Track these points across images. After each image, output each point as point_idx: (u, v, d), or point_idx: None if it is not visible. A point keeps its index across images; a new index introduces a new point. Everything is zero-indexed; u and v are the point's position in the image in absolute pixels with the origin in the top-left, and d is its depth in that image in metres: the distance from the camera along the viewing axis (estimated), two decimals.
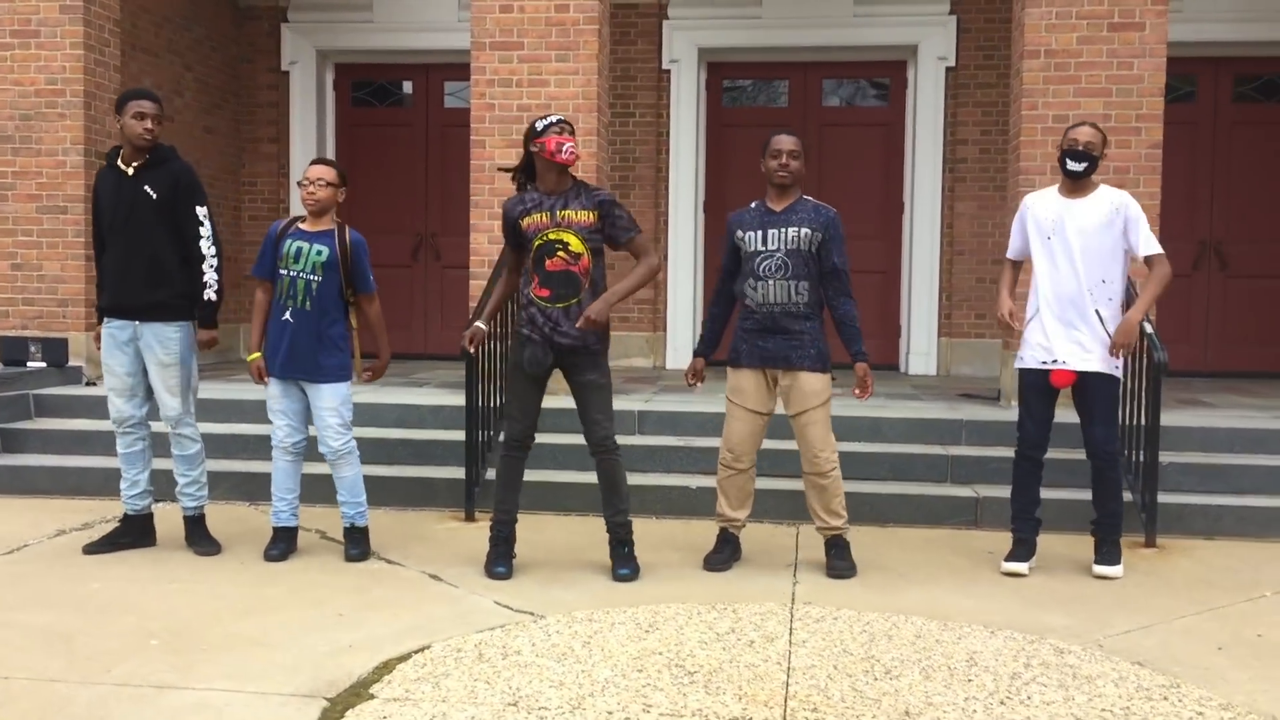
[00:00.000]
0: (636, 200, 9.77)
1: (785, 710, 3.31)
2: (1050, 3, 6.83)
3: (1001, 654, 3.85)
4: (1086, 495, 5.35)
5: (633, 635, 4.01)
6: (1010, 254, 5.30)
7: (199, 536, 5.29)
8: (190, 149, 8.80)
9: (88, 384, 7.42)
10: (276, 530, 5.18)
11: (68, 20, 7.39)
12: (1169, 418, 6.27)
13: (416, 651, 3.84)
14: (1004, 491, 5.98)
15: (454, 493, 6.20)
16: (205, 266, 5.10)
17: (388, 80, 10.59)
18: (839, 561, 4.96)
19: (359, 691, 3.46)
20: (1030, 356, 5.02)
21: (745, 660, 3.75)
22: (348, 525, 5.19)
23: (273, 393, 5.08)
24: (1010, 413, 6.69)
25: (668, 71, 9.90)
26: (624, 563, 4.88)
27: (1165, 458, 5.92)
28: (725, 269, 5.09)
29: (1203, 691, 3.52)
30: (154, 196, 5.03)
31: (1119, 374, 4.98)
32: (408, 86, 10.57)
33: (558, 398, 6.08)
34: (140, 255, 5.04)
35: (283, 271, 4.98)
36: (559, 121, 4.73)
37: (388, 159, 10.35)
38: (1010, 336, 6.88)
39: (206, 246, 5.10)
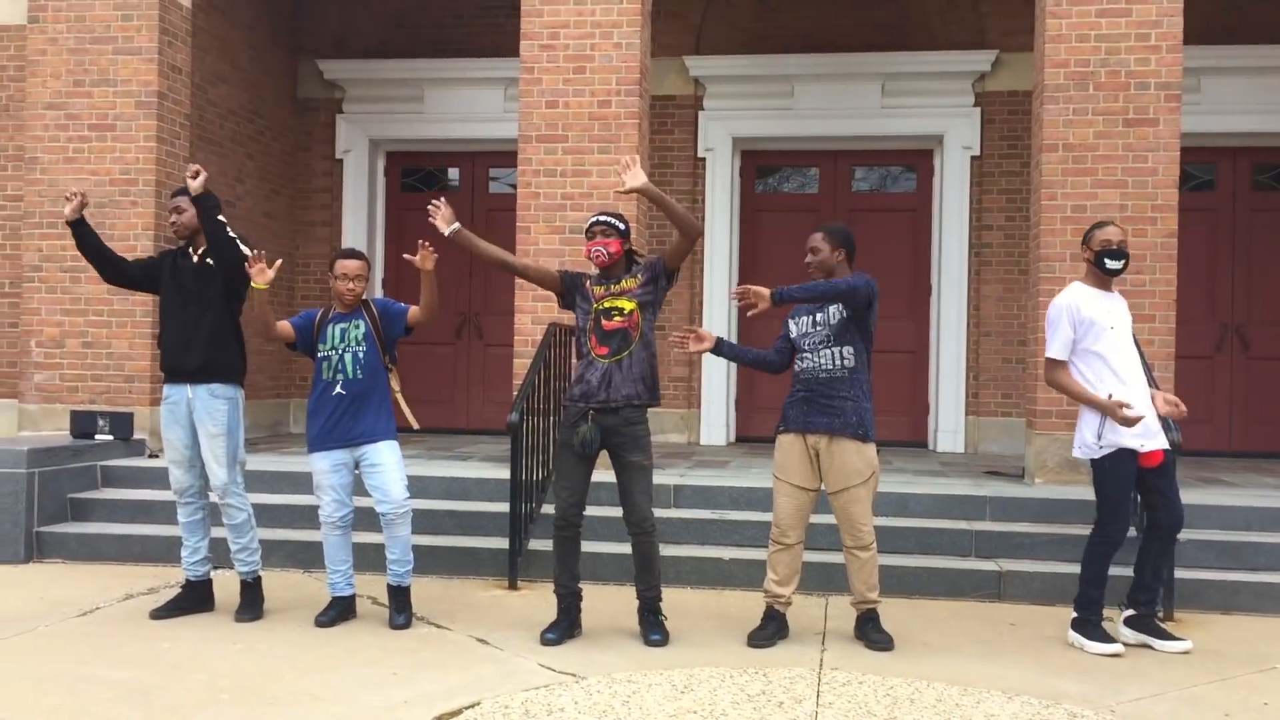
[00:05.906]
0: None
1: None
2: (1068, 100, 7.20)
3: (1018, 717, 4.08)
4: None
5: (669, 695, 4.28)
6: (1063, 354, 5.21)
7: (248, 601, 5.57)
8: (250, 233, 9.28)
9: (150, 456, 7.81)
10: (333, 599, 5.50)
11: (142, 115, 7.92)
12: (1188, 496, 6.45)
13: (467, 708, 4.12)
14: (1026, 565, 6.24)
15: (498, 562, 6.49)
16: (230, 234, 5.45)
17: (436, 167, 11.11)
18: (877, 634, 5.17)
19: None
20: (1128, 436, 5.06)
21: None
22: (395, 584, 5.47)
23: (321, 468, 5.42)
24: (1034, 489, 6.95)
25: (703, 159, 10.35)
26: (655, 629, 5.17)
27: (1184, 535, 6.09)
28: None
29: None
30: (214, 268, 5.49)
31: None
32: (455, 173, 11.08)
33: (598, 472, 6.37)
34: (200, 322, 5.45)
35: (330, 352, 5.40)
36: (593, 225, 5.22)
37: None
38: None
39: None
